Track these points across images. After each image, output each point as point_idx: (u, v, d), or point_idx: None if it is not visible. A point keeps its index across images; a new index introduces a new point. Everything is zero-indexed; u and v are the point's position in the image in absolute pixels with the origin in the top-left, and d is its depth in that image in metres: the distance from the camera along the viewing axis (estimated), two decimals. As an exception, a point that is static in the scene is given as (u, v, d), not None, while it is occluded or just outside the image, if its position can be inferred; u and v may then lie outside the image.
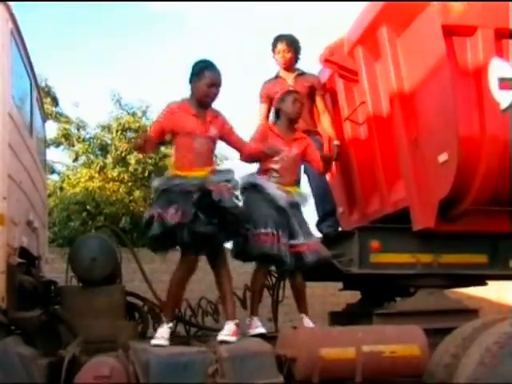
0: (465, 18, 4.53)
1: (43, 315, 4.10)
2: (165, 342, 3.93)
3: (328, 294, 8.86)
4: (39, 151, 5.49)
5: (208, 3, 25.24)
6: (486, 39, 4.56)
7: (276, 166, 4.75)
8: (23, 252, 4.38)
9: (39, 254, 5.10)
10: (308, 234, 4.71)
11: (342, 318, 5.63)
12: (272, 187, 4.61)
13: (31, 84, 5.04)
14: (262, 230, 4.43)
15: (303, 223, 4.73)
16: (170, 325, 4.15)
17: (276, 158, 4.73)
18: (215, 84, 4.31)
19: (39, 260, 5.04)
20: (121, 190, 11.12)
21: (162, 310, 4.55)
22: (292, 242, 4.55)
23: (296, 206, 4.73)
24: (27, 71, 4.84)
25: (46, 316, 4.20)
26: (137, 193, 11.09)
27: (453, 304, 5.09)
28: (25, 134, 4.52)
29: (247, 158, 4.66)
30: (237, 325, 4.06)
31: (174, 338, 4.57)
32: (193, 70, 4.36)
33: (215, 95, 4.35)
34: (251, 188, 4.64)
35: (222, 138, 4.45)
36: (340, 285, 6.13)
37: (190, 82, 4.37)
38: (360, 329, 4.13)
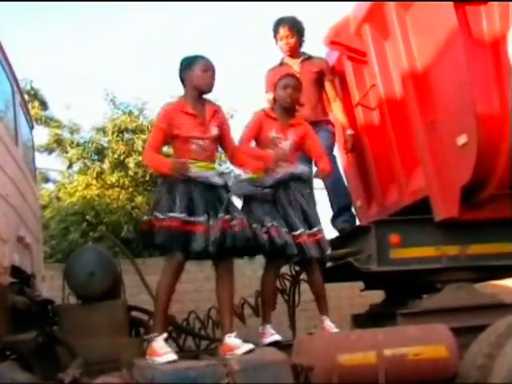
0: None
1: (39, 337, 4.16)
2: (174, 356, 3.90)
3: (356, 295, 8.82)
4: (27, 160, 5.56)
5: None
6: (503, 6, 4.53)
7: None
8: (15, 271, 4.45)
9: (34, 272, 5.17)
10: (309, 222, 4.69)
11: (366, 320, 5.67)
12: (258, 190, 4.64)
13: (13, 88, 5.11)
14: (261, 227, 4.49)
15: (303, 211, 4.69)
16: (164, 335, 4.12)
17: (271, 149, 4.75)
18: (210, 69, 4.36)
19: (34, 278, 5.11)
20: (121, 196, 11.15)
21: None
22: (293, 233, 4.56)
23: (296, 189, 4.72)
24: (7, 75, 4.89)
25: (43, 338, 4.26)
26: (139, 198, 11.09)
27: (486, 299, 5.09)
28: (9, 142, 4.58)
29: (239, 166, 4.69)
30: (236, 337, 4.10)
31: (184, 352, 4.64)
32: (182, 65, 4.41)
33: (212, 81, 4.38)
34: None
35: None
36: (368, 284, 6.15)
37: (182, 78, 4.42)
38: (380, 331, 4.12)
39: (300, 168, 4.84)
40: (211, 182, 4.20)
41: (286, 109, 4.88)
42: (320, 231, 4.72)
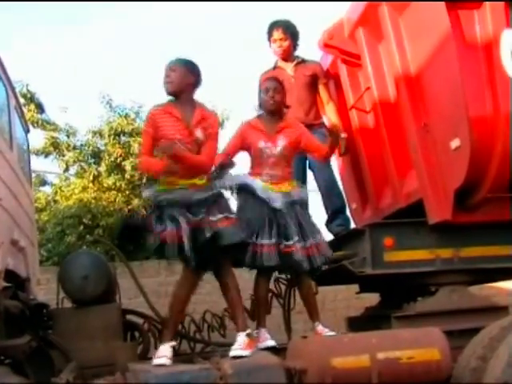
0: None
1: (33, 341, 4.15)
2: (167, 361, 3.95)
3: (352, 297, 8.79)
4: (22, 164, 5.54)
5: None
6: (495, 10, 4.56)
7: (264, 170, 4.73)
8: (9, 274, 4.44)
9: (28, 276, 5.15)
10: (308, 234, 4.67)
11: (361, 322, 5.66)
12: (261, 190, 4.63)
13: (7, 92, 5.09)
14: (258, 241, 4.51)
15: (303, 223, 4.69)
16: (173, 343, 4.19)
17: (261, 160, 4.75)
18: (165, 71, 4.38)
19: (28, 282, 5.10)
20: (118, 199, 11.12)
21: (163, 328, 4.61)
22: (286, 243, 4.55)
23: (295, 204, 4.71)
24: (1, 78, 4.86)
25: (36, 342, 4.26)
26: (135, 201, 11.06)
27: (479, 302, 5.11)
28: (3, 147, 4.57)
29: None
30: (248, 335, 4.13)
31: (178, 355, 4.64)
32: None
33: (165, 82, 4.37)
34: (243, 189, 4.65)
35: None
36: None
37: None
38: (374, 334, 4.15)
39: (299, 194, 4.81)
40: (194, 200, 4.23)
41: (271, 113, 4.84)
42: (316, 243, 4.68)
